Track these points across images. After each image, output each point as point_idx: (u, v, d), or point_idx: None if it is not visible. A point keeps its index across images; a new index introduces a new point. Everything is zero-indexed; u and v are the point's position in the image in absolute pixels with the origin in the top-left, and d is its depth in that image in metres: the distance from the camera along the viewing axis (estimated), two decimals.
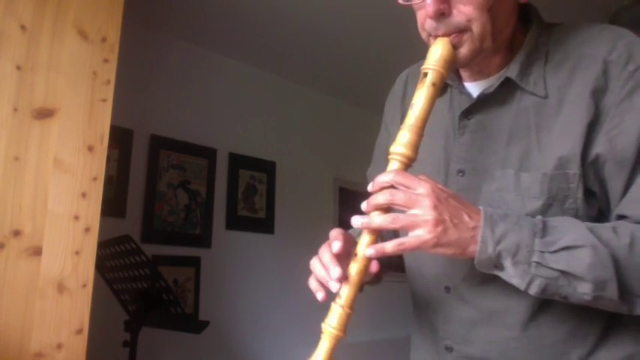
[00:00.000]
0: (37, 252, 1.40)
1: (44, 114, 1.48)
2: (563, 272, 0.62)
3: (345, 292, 0.68)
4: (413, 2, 0.72)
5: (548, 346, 0.72)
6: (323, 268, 0.70)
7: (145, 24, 2.57)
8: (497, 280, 0.68)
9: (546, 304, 0.71)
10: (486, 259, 0.64)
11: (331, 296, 0.72)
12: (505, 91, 0.75)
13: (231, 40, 2.78)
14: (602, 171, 0.69)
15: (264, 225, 3.00)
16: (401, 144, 0.68)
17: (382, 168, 0.75)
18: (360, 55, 2.82)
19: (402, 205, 0.65)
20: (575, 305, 0.67)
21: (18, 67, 1.45)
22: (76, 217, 1.48)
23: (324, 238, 0.90)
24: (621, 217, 0.69)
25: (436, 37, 0.71)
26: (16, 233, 1.38)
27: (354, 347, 2.39)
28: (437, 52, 0.69)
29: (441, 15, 0.68)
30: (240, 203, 2.93)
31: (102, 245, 1.66)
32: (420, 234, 0.63)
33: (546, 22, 0.78)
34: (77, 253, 1.47)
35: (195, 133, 2.77)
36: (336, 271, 0.68)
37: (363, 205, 0.68)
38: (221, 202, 2.83)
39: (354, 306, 0.69)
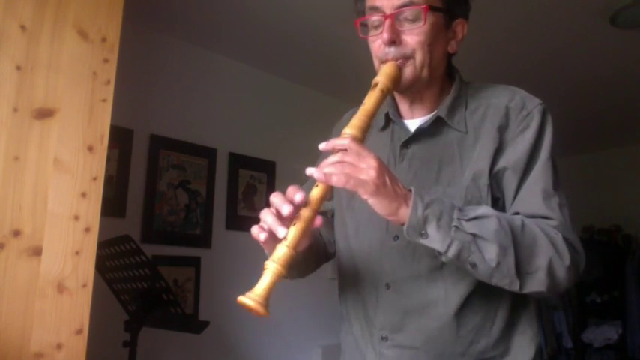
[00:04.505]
0: (37, 252, 1.41)
1: (44, 114, 1.48)
2: (475, 236, 0.77)
3: (292, 233, 0.74)
4: (371, 35, 0.94)
5: (462, 335, 0.88)
6: (275, 217, 0.77)
7: (145, 24, 2.57)
8: (431, 276, 0.86)
9: (466, 301, 0.87)
10: (415, 222, 0.76)
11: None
12: (436, 127, 0.95)
13: (232, 40, 2.78)
14: (502, 181, 0.89)
15: None
16: (352, 127, 0.80)
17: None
18: (360, 56, 2.82)
19: (352, 162, 0.75)
20: (485, 303, 0.87)
21: (18, 67, 1.45)
22: (76, 217, 1.48)
23: None
24: (514, 214, 0.87)
25: (386, 61, 0.90)
26: (16, 233, 1.38)
27: None
28: (386, 70, 0.88)
29: (393, 43, 0.89)
30: (240, 203, 2.93)
31: (102, 245, 1.66)
32: (363, 177, 0.74)
33: (464, 80, 1.01)
34: (77, 253, 1.47)
35: (195, 133, 2.77)
36: (286, 208, 0.75)
37: (315, 168, 0.77)
38: (221, 202, 2.83)
39: (297, 248, 0.75)
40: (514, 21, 2.53)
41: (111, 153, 2.18)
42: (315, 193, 0.77)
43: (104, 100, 1.59)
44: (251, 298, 0.73)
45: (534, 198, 0.86)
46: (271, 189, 3.08)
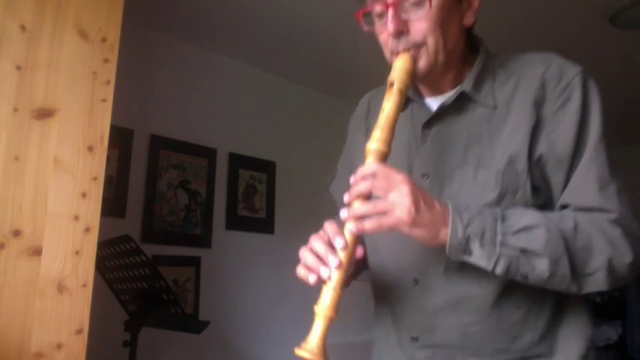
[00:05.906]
0: (37, 252, 1.40)
1: (44, 114, 1.48)
2: (523, 250, 0.72)
3: (336, 276, 0.74)
4: (376, 27, 0.86)
5: (504, 329, 0.81)
6: (314, 256, 0.76)
7: (145, 24, 2.57)
8: (462, 269, 0.78)
9: (505, 292, 0.80)
10: (457, 243, 0.72)
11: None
12: (460, 104, 0.87)
13: (232, 40, 2.78)
14: (545, 169, 0.81)
15: (264, 225, 3.00)
16: (375, 140, 0.77)
17: (345, 183, 0.90)
18: (360, 56, 2.82)
19: (382, 190, 0.72)
20: (528, 293, 0.79)
21: (18, 67, 1.45)
22: (76, 217, 1.48)
23: None
24: (564, 206, 0.80)
25: (398, 53, 0.83)
26: (16, 233, 1.38)
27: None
28: (400, 65, 0.82)
29: (400, 33, 0.82)
30: (240, 203, 2.92)
31: (102, 245, 1.66)
32: (398, 213, 0.71)
33: (490, 52, 0.93)
34: (77, 253, 1.47)
35: (195, 133, 2.77)
36: (334, 259, 0.74)
37: (346, 197, 0.76)
38: (221, 202, 2.83)
39: (343, 288, 0.74)
40: (514, 21, 2.53)
41: (111, 153, 2.18)
42: (348, 231, 0.75)
43: (104, 100, 1.59)
44: (308, 351, 0.71)
45: (588, 188, 0.78)
46: (271, 189, 3.08)
